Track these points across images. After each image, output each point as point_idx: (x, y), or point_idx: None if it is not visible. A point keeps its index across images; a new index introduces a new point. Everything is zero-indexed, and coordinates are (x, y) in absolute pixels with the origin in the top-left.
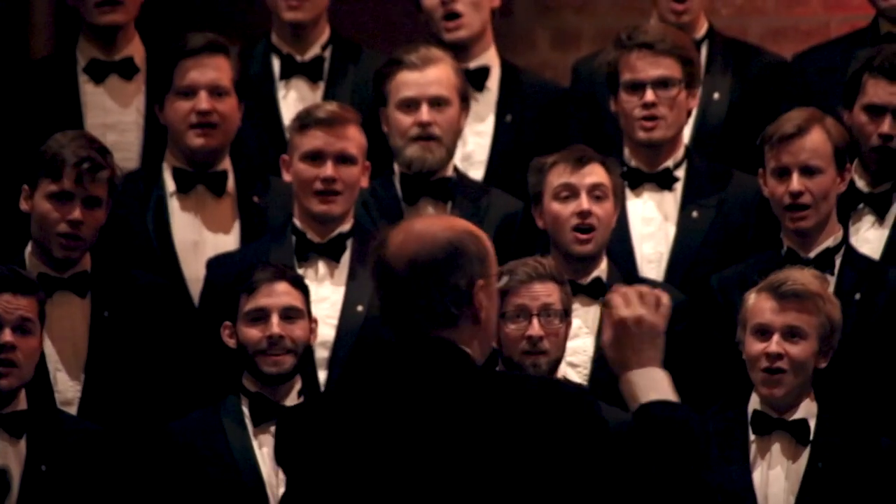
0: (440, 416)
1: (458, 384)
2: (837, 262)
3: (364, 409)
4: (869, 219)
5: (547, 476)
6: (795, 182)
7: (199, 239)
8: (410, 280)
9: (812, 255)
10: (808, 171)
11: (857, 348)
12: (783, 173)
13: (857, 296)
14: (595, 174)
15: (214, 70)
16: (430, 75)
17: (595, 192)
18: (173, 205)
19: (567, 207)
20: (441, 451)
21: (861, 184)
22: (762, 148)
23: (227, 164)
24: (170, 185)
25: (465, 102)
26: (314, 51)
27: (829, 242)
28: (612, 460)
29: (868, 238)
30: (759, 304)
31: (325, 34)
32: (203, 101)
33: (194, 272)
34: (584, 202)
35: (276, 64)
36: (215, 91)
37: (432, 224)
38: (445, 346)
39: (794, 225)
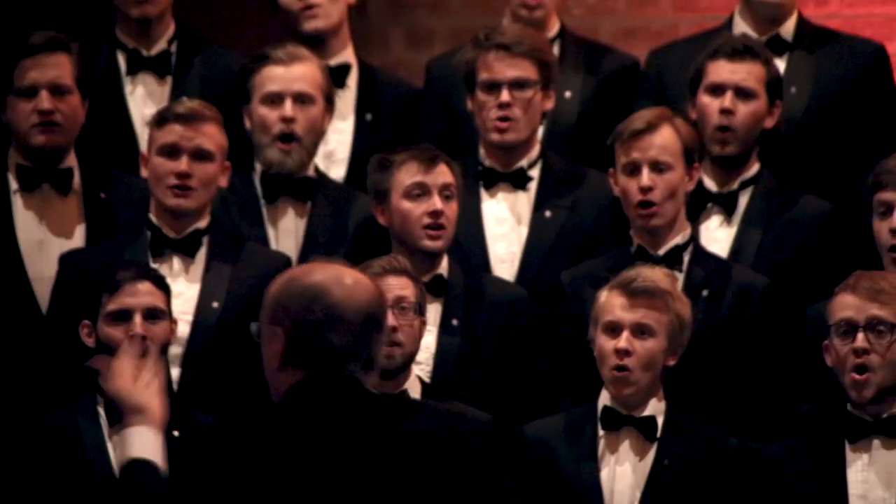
0: (348, 453)
1: (370, 426)
2: (686, 259)
3: (271, 444)
4: (717, 218)
5: None
6: (645, 177)
7: (44, 238)
8: (362, 328)
9: (661, 252)
10: (657, 167)
11: (704, 345)
12: (633, 170)
13: (705, 293)
14: (445, 174)
15: (55, 68)
16: (296, 71)
17: (445, 191)
18: (17, 203)
19: (419, 206)
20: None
21: (710, 183)
22: (613, 146)
23: (72, 161)
24: (13, 183)
25: (329, 104)
26: (160, 45)
27: (678, 240)
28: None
29: (717, 237)
30: (609, 302)
31: (171, 28)
32: (44, 101)
33: (39, 271)
34: (437, 202)
35: (121, 59)
36: (57, 90)
37: (349, 272)
38: (359, 387)
39: (643, 222)
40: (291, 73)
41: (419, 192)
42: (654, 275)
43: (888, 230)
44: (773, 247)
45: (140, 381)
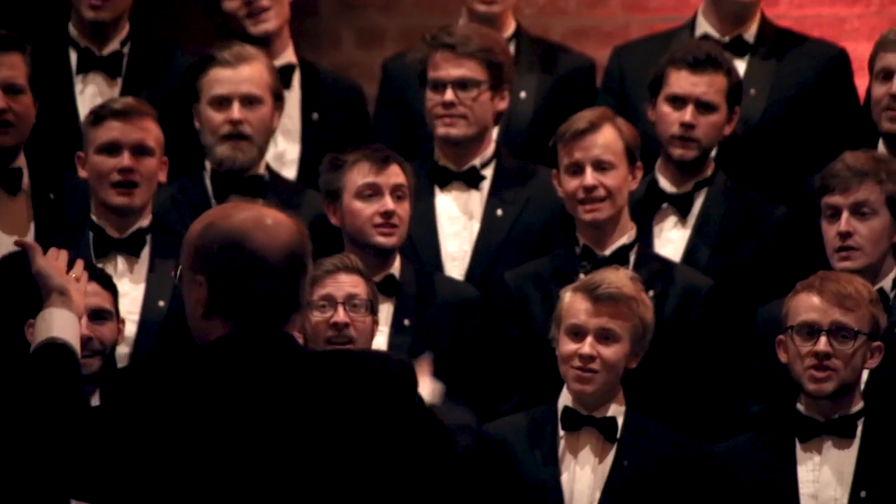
0: (274, 400)
1: (288, 368)
2: (632, 259)
3: (199, 393)
4: (672, 219)
5: (367, 456)
6: (589, 176)
7: None
8: (286, 270)
9: (607, 252)
10: (600, 166)
11: (651, 345)
12: (576, 169)
13: (651, 293)
14: (397, 174)
15: (8, 68)
16: (243, 73)
17: (397, 192)
18: None
19: (370, 206)
20: (264, 439)
21: (665, 184)
22: (555, 147)
23: (21, 161)
24: None
25: (278, 101)
26: (113, 46)
27: (624, 240)
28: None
29: (671, 238)
30: (574, 305)
31: (125, 29)
32: None
33: None
34: (389, 202)
35: (73, 57)
36: (10, 89)
37: (271, 212)
38: (280, 332)
39: (589, 216)
40: (238, 74)
41: (371, 192)
42: (618, 279)
43: (835, 233)
44: (728, 248)
45: (63, 273)
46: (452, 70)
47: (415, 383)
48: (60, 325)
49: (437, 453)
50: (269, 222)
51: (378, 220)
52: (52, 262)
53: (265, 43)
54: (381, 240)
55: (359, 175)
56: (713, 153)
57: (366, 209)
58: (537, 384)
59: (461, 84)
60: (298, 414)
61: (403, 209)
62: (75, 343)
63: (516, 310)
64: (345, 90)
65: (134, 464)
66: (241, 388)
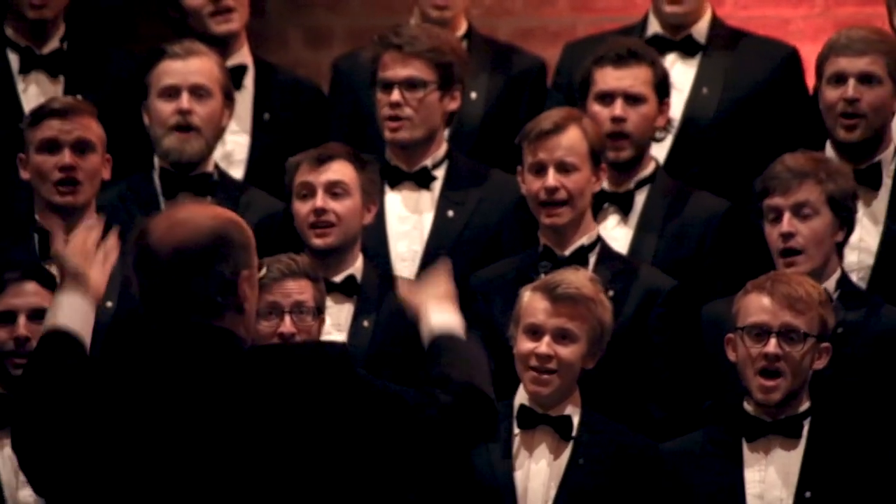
0: (204, 396)
1: (223, 362)
2: (592, 259)
3: (123, 390)
4: (614, 218)
5: (317, 444)
6: (551, 178)
7: None
8: (175, 267)
9: (567, 252)
10: (563, 167)
11: (610, 344)
12: (539, 170)
13: (611, 293)
14: (334, 171)
15: None
16: (193, 65)
17: (334, 189)
18: None
19: (305, 206)
20: (206, 430)
21: (606, 183)
22: (520, 146)
23: None
24: None
25: (228, 99)
26: (53, 44)
27: (584, 240)
28: (382, 418)
29: (614, 237)
30: (532, 304)
31: (62, 27)
32: None
33: None
34: (319, 200)
35: (13, 58)
36: None
37: (197, 212)
38: (207, 328)
39: (549, 220)
40: (188, 66)
41: (306, 191)
42: (578, 280)
43: (778, 235)
44: (670, 245)
45: (89, 255)
46: (399, 70)
47: (349, 363)
48: (67, 312)
49: (390, 425)
50: (172, 219)
51: (311, 218)
52: (74, 246)
53: (222, 43)
54: (315, 241)
55: (299, 175)
56: (650, 150)
57: (302, 209)
58: (500, 384)
59: (408, 84)
60: (237, 405)
61: (342, 207)
62: (83, 327)
63: (480, 311)
64: (302, 91)
65: (79, 457)
66: (163, 381)
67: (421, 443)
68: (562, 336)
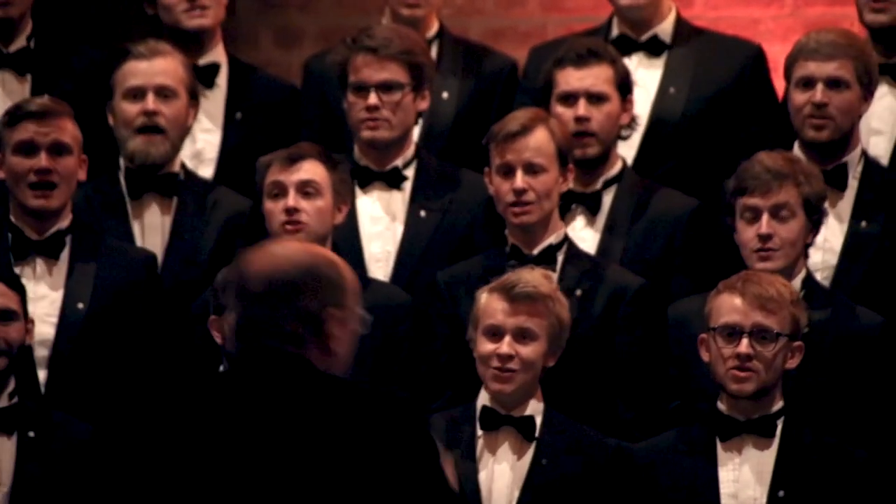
0: (276, 423)
1: (293, 389)
2: (560, 258)
3: (200, 416)
4: (582, 218)
5: (369, 486)
6: (519, 180)
7: None
8: (263, 297)
9: (535, 252)
10: (531, 169)
11: (578, 344)
12: (507, 171)
13: (578, 292)
14: (306, 171)
15: None
16: (158, 66)
17: (305, 188)
18: None
19: (277, 205)
20: (271, 459)
21: (573, 184)
22: (488, 146)
23: None
24: None
25: (193, 99)
26: (20, 42)
27: (552, 240)
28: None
29: (582, 237)
30: (490, 305)
31: (29, 26)
32: None
33: None
34: (291, 199)
35: None
36: None
37: (292, 247)
38: (283, 354)
39: (517, 220)
40: (153, 67)
41: (277, 191)
42: (534, 279)
43: (754, 235)
44: (639, 245)
45: None
46: (375, 73)
47: (419, 418)
48: None
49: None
50: (276, 248)
51: (282, 217)
52: None
53: (196, 40)
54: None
55: (270, 175)
56: (616, 149)
57: (274, 209)
58: (467, 383)
59: (385, 87)
60: (295, 432)
61: (313, 206)
62: None
63: (446, 309)
64: (276, 91)
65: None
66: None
67: None
68: (522, 335)
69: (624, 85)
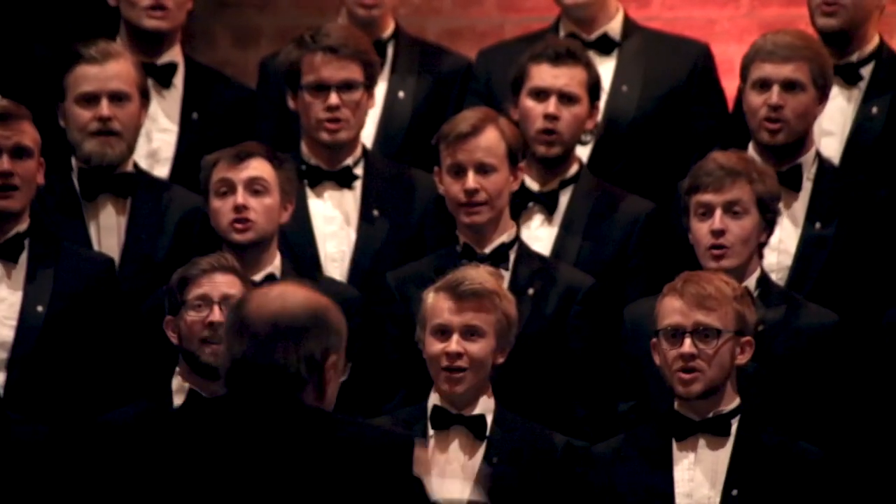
0: (269, 464)
1: (288, 436)
2: (511, 257)
3: (194, 456)
4: (539, 217)
5: None
6: (470, 180)
7: None
8: (270, 339)
9: (487, 250)
10: (482, 169)
11: (529, 343)
12: (458, 171)
13: (530, 291)
14: (254, 168)
15: None
16: (110, 70)
17: (253, 185)
18: None
19: (225, 203)
20: (245, 493)
21: (531, 183)
22: (438, 146)
23: None
24: None
25: (144, 98)
26: None
27: (504, 238)
28: None
29: (539, 236)
30: (437, 304)
31: None
32: None
33: None
34: (239, 197)
35: None
36: None
37: (297, 290)
38: (284, 399)
39: (469, 220)
40: (105, 71)
41: (225, 189)
42: (479, 276)
43: (708, 231)
44: (594, 245)
45: None
46: (336, 73)
47: (410, 456)
48: None
49: None
50: (281, 290)
51: (231, 215)
52: None
53: (155, 39)
54: (235, 237)
55: (217, 173)
56: (575, 150)
57: (221, 206)
58: (420, 383)
59: (346, 86)
60: (288, 472)
61: (261, 204)
62: None
63: (398, 310)
64: (234, 93)
65: None
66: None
67: None
68: (470, 333)
69: (594, 90)
